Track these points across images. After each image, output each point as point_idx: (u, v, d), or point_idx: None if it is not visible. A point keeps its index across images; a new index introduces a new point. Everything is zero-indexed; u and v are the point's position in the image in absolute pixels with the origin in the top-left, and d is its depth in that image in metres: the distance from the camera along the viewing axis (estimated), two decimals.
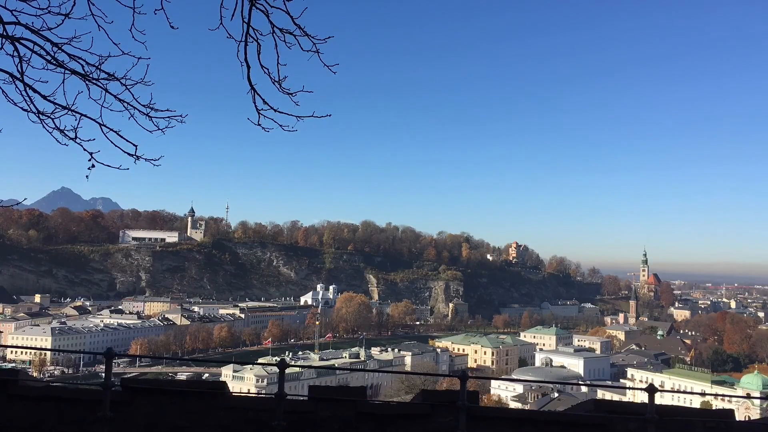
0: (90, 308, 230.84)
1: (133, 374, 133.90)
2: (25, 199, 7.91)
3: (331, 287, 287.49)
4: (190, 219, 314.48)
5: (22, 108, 6.10)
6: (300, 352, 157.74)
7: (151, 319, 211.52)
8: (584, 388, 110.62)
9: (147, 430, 5.43)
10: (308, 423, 5.39)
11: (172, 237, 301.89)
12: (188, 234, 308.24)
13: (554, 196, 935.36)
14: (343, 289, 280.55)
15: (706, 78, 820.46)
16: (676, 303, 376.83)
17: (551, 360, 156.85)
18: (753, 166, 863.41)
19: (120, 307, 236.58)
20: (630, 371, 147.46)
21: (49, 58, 5.94)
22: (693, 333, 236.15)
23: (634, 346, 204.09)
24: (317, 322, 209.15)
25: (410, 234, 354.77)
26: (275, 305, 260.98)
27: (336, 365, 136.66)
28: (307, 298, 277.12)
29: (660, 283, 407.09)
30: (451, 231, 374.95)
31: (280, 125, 6.48)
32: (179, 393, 5.58)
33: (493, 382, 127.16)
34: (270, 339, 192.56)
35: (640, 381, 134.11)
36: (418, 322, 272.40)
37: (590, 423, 5.42)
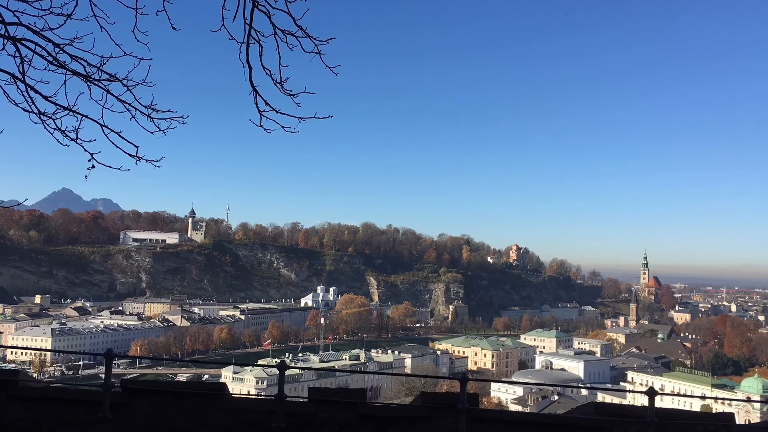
0: (90, 309, 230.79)
1: (133, 375, 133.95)
2: (26, 199, 7.92)
3: (331, 289, 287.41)
4: (190, 220, 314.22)
5: (23, 108, 6.11)
6: (300, 354, 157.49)
7: (151, 320, 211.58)
8: (584, 391, 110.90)
9: None
10: (308, 425, 5.39)
11: (172, 238, 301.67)
12: (189, 235, 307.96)
13: (555, 198, 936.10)
14: (343, 291, 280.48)
15: (707, 81, 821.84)
16: (677, 306, 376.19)
17: (551, 363, 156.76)
18: (753, 169, 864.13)
19: (120, 308, 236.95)
20: (630, 374, 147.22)
21: (50, 59, 5.94)
22: (693, 336, 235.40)
23: (634, 349, 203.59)
24: (319, 324, 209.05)
25: (411, 236, 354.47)
26: (275, 307, 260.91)
27: (336, 367, 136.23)
28: (307, 300, 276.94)
29: (660, 286, 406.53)
30: (452, 233, 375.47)
31: (282, 126, 6.49)
32: (179, 394, 5.59)
33: (493, 384, 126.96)
34: (270, 341, 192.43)
35: (640, 384, 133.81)
36: (418, 325, 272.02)
37: (590, 426, 5.42)
